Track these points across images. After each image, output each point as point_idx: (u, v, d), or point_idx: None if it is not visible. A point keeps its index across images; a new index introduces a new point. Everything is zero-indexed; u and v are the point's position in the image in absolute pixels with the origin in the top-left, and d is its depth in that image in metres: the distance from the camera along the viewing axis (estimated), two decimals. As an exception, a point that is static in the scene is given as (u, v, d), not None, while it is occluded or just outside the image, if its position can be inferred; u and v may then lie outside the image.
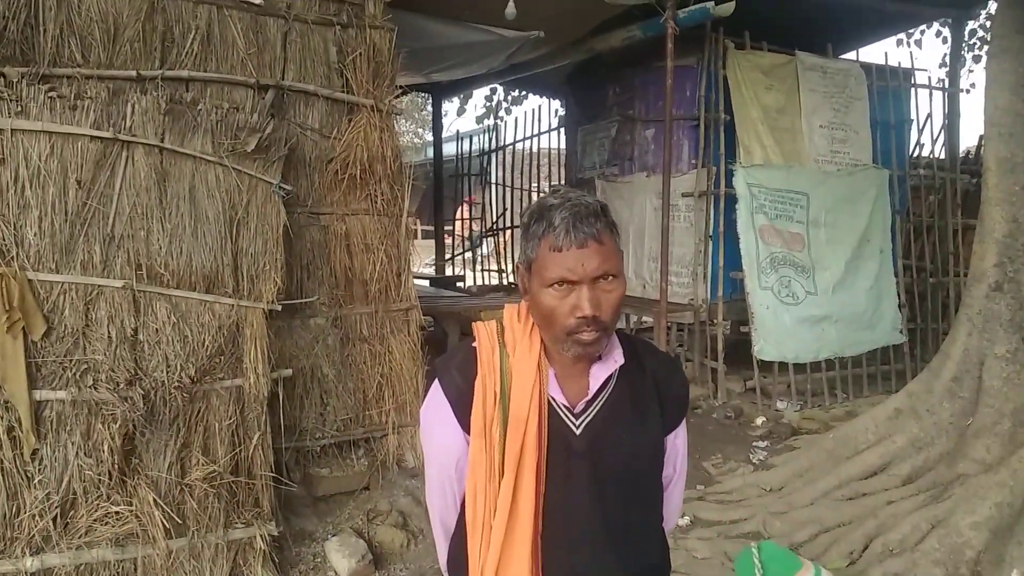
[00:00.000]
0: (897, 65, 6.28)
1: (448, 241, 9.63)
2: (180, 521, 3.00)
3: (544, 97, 9.00)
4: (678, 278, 5.75)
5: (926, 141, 6.83)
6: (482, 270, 9.22)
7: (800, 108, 5.69)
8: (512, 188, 8.71)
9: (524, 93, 9.64)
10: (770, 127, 5.53)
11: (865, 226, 5.81)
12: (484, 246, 9.40)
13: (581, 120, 7.06)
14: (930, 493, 3.35)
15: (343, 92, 3.86)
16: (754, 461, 4.35)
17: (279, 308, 3.43)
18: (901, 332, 5.93)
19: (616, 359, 1.37)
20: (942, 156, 6.88)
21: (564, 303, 1.24)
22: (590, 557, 1.34)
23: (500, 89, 9.67)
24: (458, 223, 9.95)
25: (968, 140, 7.35)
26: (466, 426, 1.35)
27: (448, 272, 9.14)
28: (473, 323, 1.46)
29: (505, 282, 8.60)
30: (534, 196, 8.66)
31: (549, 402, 1.34)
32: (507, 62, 5.97)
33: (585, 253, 1.22)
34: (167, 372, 3.09)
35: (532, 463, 1.31)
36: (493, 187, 9.01)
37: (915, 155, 6.73)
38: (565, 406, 1.35)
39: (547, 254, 1.24)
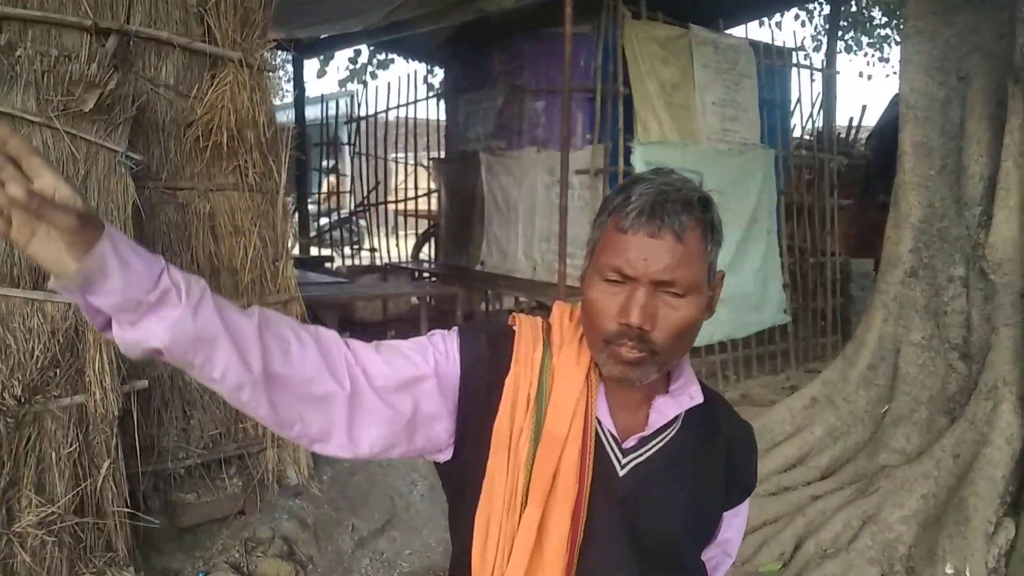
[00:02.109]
0: (782, 44, 6.29)
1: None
2: (7, 584, 2.36)
3: (414, 61, 8.42)
4: (571, 259, 5.45)
5: (802, 121, 6.92)
6: (352, 250, 8.57)
7: (694, 84, 5.52)
8: (385, 159, 8.09)
9: (391, 57, 9.00)
10: (666, 102, 5.33)
11: (754, 207, 5.78)
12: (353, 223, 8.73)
13: (463, 88, 6.60)
14: (855, 487, 3.26)
15: (204, 42, 3.21)
16: (663, 453, 4.17)
17: (130, 306, 2.79)
18: (786, 313, 6.00)
19: (692, 395, 1.04)
20: (810, 136, 7.03)
21: (612, 301, 0.94)
22: None
23: (365, 51, 8.98)
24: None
25: (839, 120, 7.57)
26: (455, 408, 0.98)
27: (313, 252, 8.41)
28: (513, 314, 1.10)
29: (379, 263, 8.02)
30: (410, 168, 8.11)
31: (595, 426, 0.99)
32: (386, 19, 5.41)
33: (654, 245, 0.92)
34: (-19, 394, 2.40)
35: (569, 499, 0.95)
36: (363, 158, 8.33)
37: (794, 135, 6.82)
38: (612, 435, 1.01)
39: (610, 234, 0.95)
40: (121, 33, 2.93)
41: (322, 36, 7.20)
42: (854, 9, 10.16)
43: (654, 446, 1.03)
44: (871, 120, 8.48)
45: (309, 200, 8.67)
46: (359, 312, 7.05)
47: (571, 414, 0.97)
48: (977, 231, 3.25)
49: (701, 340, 5.22)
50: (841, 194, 6.82)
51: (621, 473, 1.01)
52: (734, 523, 1.15)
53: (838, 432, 3.56)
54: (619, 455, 1.01)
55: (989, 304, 3.18)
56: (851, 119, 7.68)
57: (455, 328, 1.05)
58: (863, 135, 8.22)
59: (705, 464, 1.07)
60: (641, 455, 1.02)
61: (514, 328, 1.05)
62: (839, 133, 7.55)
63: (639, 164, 5.10)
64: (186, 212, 3.24)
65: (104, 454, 2.69)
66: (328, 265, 7.85)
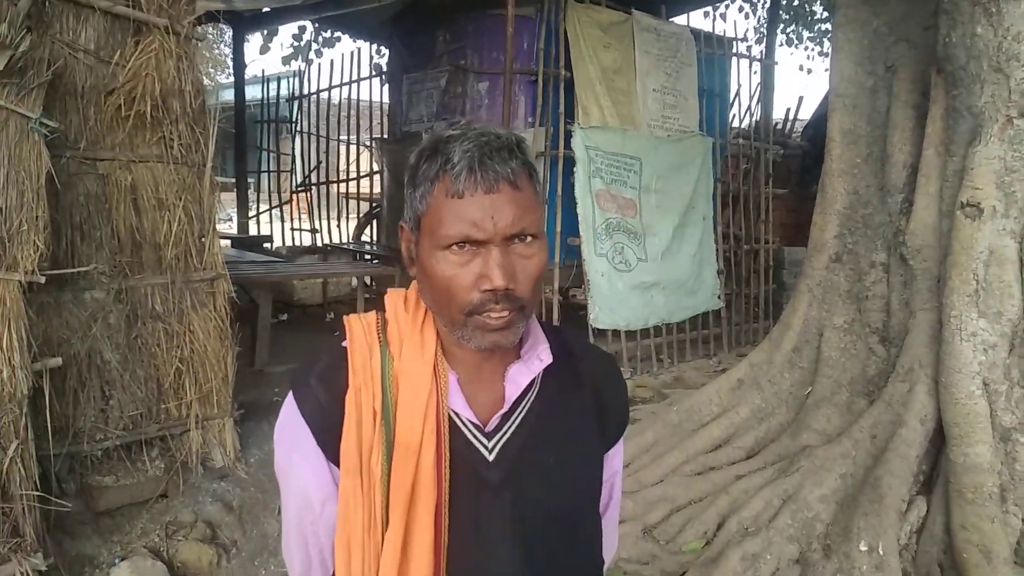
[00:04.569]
0: (722, 34, 6.36)
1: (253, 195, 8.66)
2: (-101, 570, 2.25)
3: (360, 40, 8.27)
4: (511, 242, 5.46)
5: (740, 110, 7.03)
6: (292, 229, 8.40)
7: (635, 70, 5.55)
8: (327, 139, 7.93)
9: (337, 35, 8.82)
10: (607, 87, 5.34)
11: (691, 193, 5.86)
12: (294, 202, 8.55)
13: (407, 67, 6.50)
14: (777, 467, 3.34)
15: (127, 6, 3.08)
16: (596, 435, 4.19)
17: (42, 280, 2.68)
18: (720, 298, 6.10)
19: (541, 356, 1.01)
20: (747, 125, 7.14)
21: (466, 271, 0.90)
22: None
23: (310, 27, 8.79)
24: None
25: (776, 112, 7.71)
26: (333, 457, 0.94)
27: (253, 231, 8.21)
28: (345, 316, 1.04)
29: (320, 243, 7.88)
30: (352, 149, 7.98)
31: (451, 419, 0.96)
32: (327, -7, 5.28)
33: (496, 200, 0.89)
34: None
35: (429, 506, 0.92)
36: (305, 136, 8.17)
37: (731, 123, 6.92)
38: (472, 423, 0.97)
39: (443, 202, 0.90)
40: (34, -7, 2.79)
41: (264, 9, 7.01)
42: (796, 3, 10.35)
43: (516, 418, 1.00)
44: (808, 112, 8.68)
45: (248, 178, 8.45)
46: (298, 294, 6.94)
47: (422, 417, 0.93)
48: (899, 218, 3.34)
49: (636, 323, 5.29)
50: (777, 183, 6.96)
51: (491, 458, 0.97)
52: (615, 462, 1.13)
53: (763, 413, 3.64)
54: (484, 441, 0.98)
55: (908, 289, 3.27)
56: (788, 110, 7.84)
57: (290, 393, 1.00)
58: (799, 126, 8.40)
59: (574, 415, 1.05)
60: (506, 432, 0.99)
61: (345, 345, 0.99)
62: (776, 124, 7.70)
63: (579, 148, 5.12)
64: (107, 184, 3.13)
65: (11, 435, 2.58)
66: (267, 245, 7.69)
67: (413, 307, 1.00)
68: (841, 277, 3.58)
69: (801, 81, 48.61)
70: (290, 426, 0.98)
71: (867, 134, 3.53)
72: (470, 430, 0.97)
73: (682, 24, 6.10)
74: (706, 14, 9.37)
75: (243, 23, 7.67)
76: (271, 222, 8.28)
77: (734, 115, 6.90)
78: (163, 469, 3.24)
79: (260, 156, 8.46)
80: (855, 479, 3.11)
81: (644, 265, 5.50)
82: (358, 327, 1.00)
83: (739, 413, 3.69)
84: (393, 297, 1.03)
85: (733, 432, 3.66)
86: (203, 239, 3.37)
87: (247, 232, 8.06)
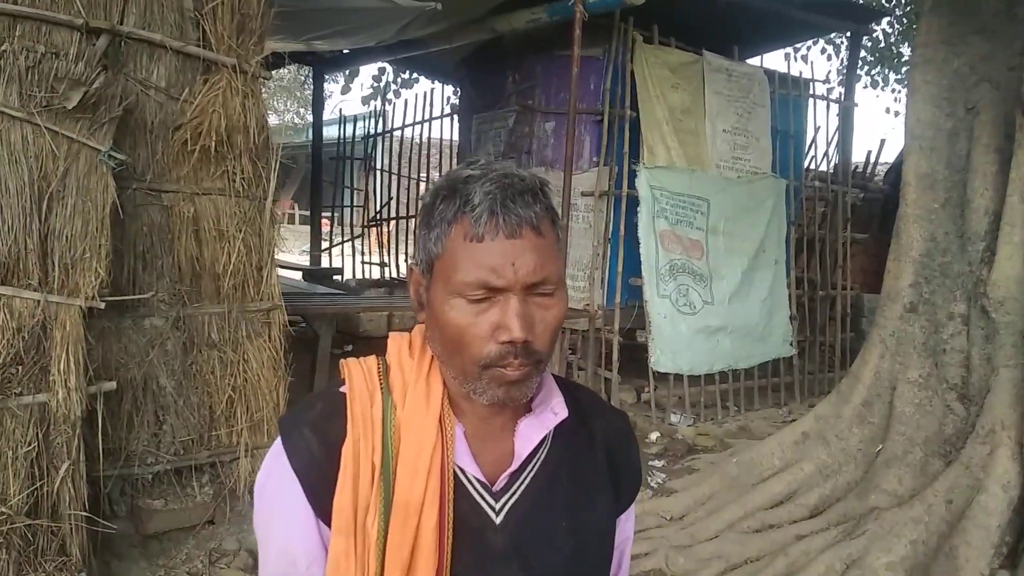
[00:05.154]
0: (798, 75, 6.19)
1: (326, 229, 8.88)
2: (-54, 583, 2.32)
3: (436, 81, 8.47)
4: (574, 282, 5.39)
5: (818, 152, 6.80)
6: (363, 263, 8.57)
7: (705, 110, 5.46)
8: (399, 176, 8.10)
9: (415, 75, 9.07)
10: (675, 128, 5.26)
11: (762, 236, 5.68)
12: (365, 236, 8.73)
13: (477, 107, 6.59)
14: (841, 528, 3.12)
15: (199, 46, 3.21)
16: (652, 484, 4.03)
17: (102, 306, 2.76)
18: (792, 345, 5.85)
19: (556, 410, 0.93)
20: (825, 168, 6.89)
21: (482, 321, 0.83)
22: None
23: (389, 69, 9.07)
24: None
25: (857, 154, 7.45)
26: (323, 514, 0.86)
27: (325, 263, 8.42)
28: (342, 361, 0.96)
29: (388, 276, 8.01)
30: (423, 187, 8.11)
31: (455, 476, 0.88)
32: (399, 36, 5.41)
33: (518, 246, 0.82)
34: (-63, 386, 2.38)
35: (429, 574, 0.84)
36: (378, 173, 8.37)
37: (808, 166, 6.70)
38: (480, 481, 0.89)
39: (461, 246, 0.82)
40: (112, 33, 2.94)
41: (344, 51, 7.27)
42: (882, 45, 10.04)
43: (526, 477, 0.92)
44: (891, 155, 8.34)
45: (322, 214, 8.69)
46: (363, 326, 7.02)
47: (426, 473, 0.85)
48: (980, 267, 3.12)
49: (700, 368, 5.11)
50: (857, 228, 6.68)
51: (498, 521, 0.89)
52: (626, 528, 1.04)
53: (829, 470, 3.42)
54: (491, 501, 0.90)
55: (990, 344, 3.04)
56: (869, 152, 7.54)
57: (277, 439, 0.91)
58: (882, 169, 8.07)
59: (587, 476, 0.97)
60: (515, 493, 0.91)
61: (343, 391, 0.91)
62: (856, 167, 7.41)
63: (643, 188, 5.04)
64: (170, 215, 3.23)
65: (64, 455, 2.65)
66: (337, 278, 7.85)
67: (419, 352, 0.93)
68: (916, 328, 3.36)
69: (888, 124, 46.99)
70: (276, 478, 0.89)
71: (945, 178, 3.33)
72: (476, 489, 0.90)
73: (755, 65, 5.98)
74: (787, 56, 9.17)
75: (324, 64, 7.97)
76: (342, 255, 8.46)
77: (812, 157, 6.69)
78: (211, 495, 3.27)
79: (337, 192, 8.70)
80: (927, 547, 2.87)
81: (710, 308, 5.33)
82: (358, 372, 0.93)
83: (803, 469, 3.49)
84: (397, 340, 0.96)
85: (796, 488, 3.46)
86: (261, 270, 3.44)
87: (319, 264, 8.25)
